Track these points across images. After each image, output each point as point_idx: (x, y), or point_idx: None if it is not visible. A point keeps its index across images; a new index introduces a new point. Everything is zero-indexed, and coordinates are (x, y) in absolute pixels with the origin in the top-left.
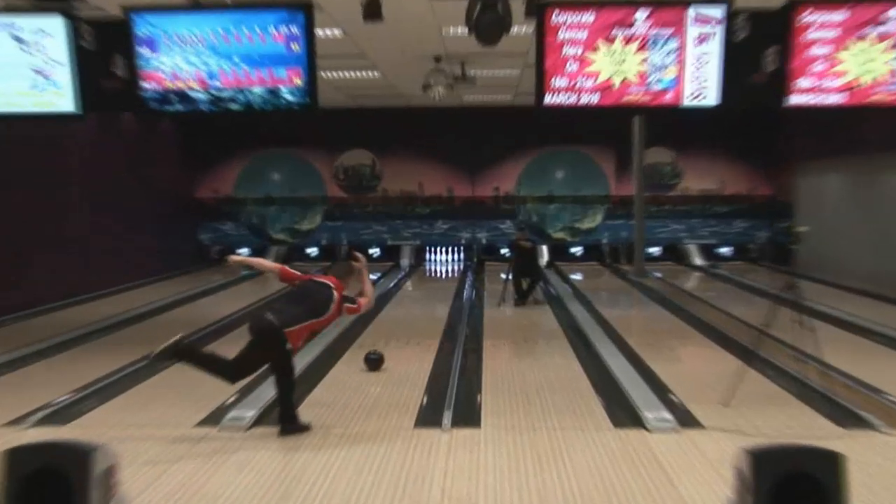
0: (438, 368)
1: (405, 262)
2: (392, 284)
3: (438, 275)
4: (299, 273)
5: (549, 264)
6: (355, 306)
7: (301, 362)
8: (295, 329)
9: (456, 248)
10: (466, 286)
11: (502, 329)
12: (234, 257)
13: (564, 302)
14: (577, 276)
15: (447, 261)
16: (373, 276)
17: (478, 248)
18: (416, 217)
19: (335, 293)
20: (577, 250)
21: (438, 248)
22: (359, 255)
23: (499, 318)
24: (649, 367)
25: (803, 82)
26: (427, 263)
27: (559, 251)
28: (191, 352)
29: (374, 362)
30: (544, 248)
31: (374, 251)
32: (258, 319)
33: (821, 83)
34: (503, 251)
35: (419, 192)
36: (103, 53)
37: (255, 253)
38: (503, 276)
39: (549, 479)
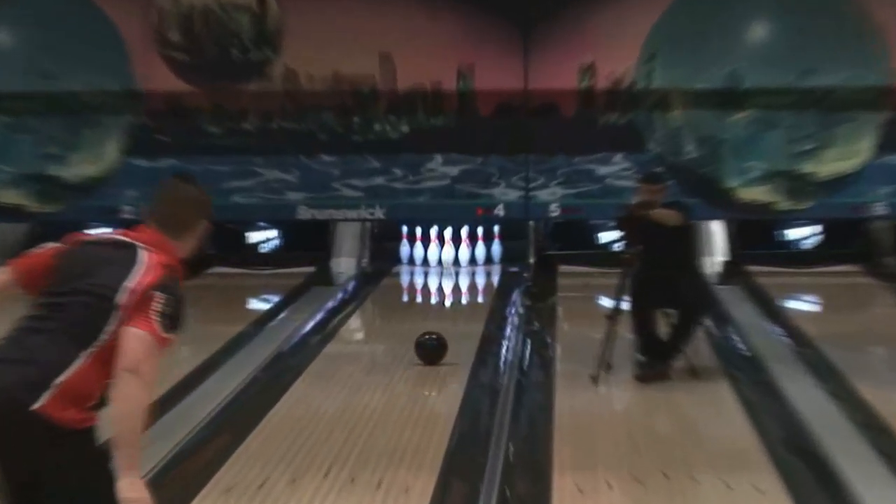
0: None
1: (345, 263)
2: (309, 327)
3: (431, 299)
4: (54, 244)
5: (730, 269)
6: (172, 332)
7: None
8: (58, 396)
9: (479, 229)
10: (507, 331)
11: (605, 445)
12: None
13: (771, 371)
14: (802, 304)
15: (454, 263)
16: (264, 304)
17: (539, 228)
18: (373, 146)
19: (145, 257)
20: (802, 235)
21: (433, 230)
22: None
23: (596, 416)
24: None
25: None
26: (403, 270)
27: (755, 234)
28: None
29: (432, 350)
30: (716, 229)
31: (265, 237)
32: None
33: None
34: (605, 236)
35: (381, 83)
36: None
37: None
38: (608, 301)
39: None
